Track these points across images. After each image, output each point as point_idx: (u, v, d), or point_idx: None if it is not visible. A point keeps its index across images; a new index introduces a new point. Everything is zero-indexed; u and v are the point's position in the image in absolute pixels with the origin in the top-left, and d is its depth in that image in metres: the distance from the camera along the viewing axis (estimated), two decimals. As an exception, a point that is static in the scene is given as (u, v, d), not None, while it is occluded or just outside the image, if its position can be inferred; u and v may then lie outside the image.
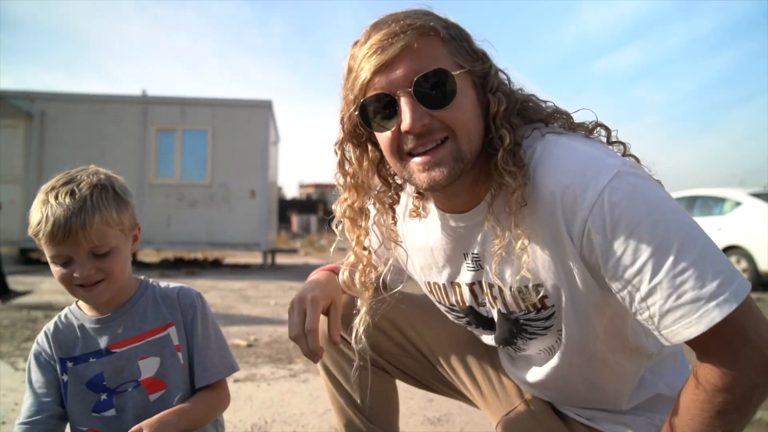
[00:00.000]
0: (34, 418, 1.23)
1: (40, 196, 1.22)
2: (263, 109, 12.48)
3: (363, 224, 1.23)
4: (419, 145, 1.05)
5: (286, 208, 39.73)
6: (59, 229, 1.15)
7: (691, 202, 10.06)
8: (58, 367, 1.26)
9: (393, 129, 1.05)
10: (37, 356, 1.27)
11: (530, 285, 1.12)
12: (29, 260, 12.09)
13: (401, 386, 1.63)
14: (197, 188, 12.03)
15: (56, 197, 1.19)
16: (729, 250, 8.81)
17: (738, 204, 8.99)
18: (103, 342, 1.26)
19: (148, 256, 14.29)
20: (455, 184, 1.08)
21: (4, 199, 11.74)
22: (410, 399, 2.67)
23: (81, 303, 1.31)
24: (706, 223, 9.18)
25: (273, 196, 14.36)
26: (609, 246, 0.96)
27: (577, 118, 1.16)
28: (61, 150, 11.82)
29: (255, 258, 14.46)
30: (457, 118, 1.04)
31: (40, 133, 11.98)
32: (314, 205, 45.30)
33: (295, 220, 39.10)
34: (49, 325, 1.30)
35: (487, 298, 1.23)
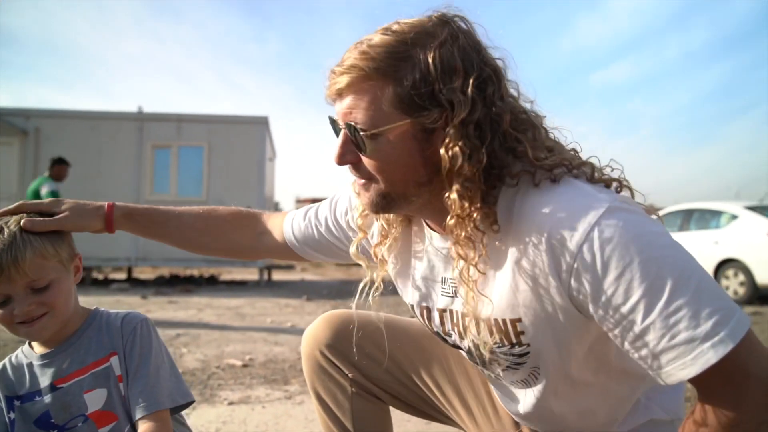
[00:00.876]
0: None
1: None
2: (259, 125, 12.50)
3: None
4: (353, 174, 1.11)
5: (282, 223, 39.59)
6: None
7: (688, 215, 10.07)
8: (4, 405, 1.22)
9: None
10: None
11: (508, 319, 1.07)
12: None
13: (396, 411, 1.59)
14: (193, 204, 11.80)
15: None
16: (726, 263, 8.82)
17: (734, 217, 9.01)
18: (48, 378, 1.21)
19: (144, 273, 14.22)
20: (396, 211, 1.13)
21: (-1, 216, 11.72)
22: (407, 422, 2.62)
23: (32, 342, 1.27)
24: (703, 237, 9.20)
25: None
26: (599, 285, 0.92)
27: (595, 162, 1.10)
28: (57, 167, 11.80)
29: (251, 274, 14.40)
30: (375, 166, 1.04)
31: (35, 150, 11.95)
32: (311, 220, 45.11)
33: (292, 235, 38.97)
34: (2, 365, 1.26)
35: (456, 328, 1.19)
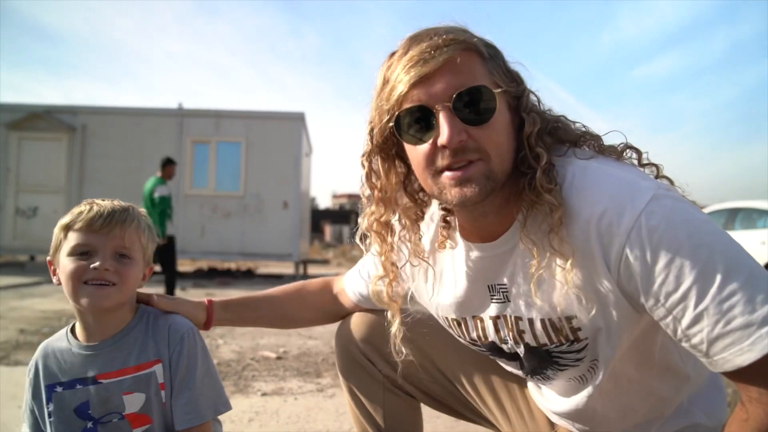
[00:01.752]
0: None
1: (79, 204, 1.25)
2: (296, 121, 12.62)
3: (389, 239, 1.21)
4: (453, 162, 1.01)
5: (318, 218, 40.07)
6: (100, 217, 1.20)
7: (733, 214, 9.74)
8: (43, 395, 1.24)
9: (429, 143, 1.02)
10: (29, 384, 1.28)
11: (563, 317, 1.07)
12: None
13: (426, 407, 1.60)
14: (231, 199, 12.21)
15: (103, 200, 1.26)
16: (774, 264, 8.48)
17: (784, 217, 8.66)
18: (91, 371, 1.23)
19: (183, 265, 14.54)
20: (485, 202, 1.04)
21: (47, 209, 12.20)
22: (437, 418, 2.61)
23: (76, 327, 1.29)
24: (749, 237, 8.87)
25: (305, 207, 14.48)
26: (649, 272, 0.92)
27: (607, 140, 1.12)
28: (101, 161, 12.22)
29: (287, 268, 14.58)
30: (491, 139, 1.01)
31: (81, 145, 12.37)
32: (347, 215, 45.54)
33: (328, 230, 39.37)
34: (39, 352, 1.28)
35: (511, 333, 1.18)
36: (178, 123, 12.51)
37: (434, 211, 1.27)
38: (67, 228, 1.21)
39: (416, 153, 1.06)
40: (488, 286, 1.18)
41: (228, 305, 1.52)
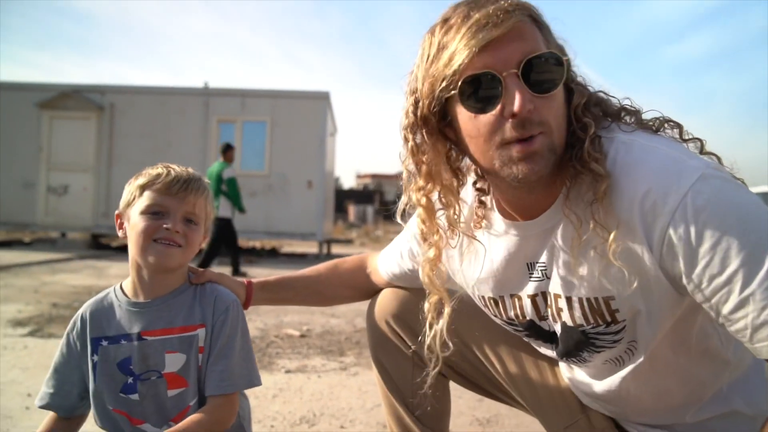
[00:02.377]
0: (57, 389, 1.30)
1: (155, 165, 1.33)
2: (321, 100, 12.60)
3: (437, 215, 1.16)
4: (518, 135, 0.95)
5: (342, 198, 40.20)
6: (178, 182, 1.28)
7: (768, 197, 9.45)
8: (89, 347, 1.28)
9: (493, 112, 0.96)
10: (68, 336, 1.32)
11: (600, 297, 1.04)
12: (99, 245, 12.72)
13: (451, 384, 1.59)
14: (256, 178, 12.28)
15: (178, 166, 1.34)
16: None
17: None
18: (136, 327, 1.27)
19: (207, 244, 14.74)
20: (549, 174, 1.00)
21: (77, 187, 12.46)
22: (459, 398, 2.61)
23: (124, 285, 1.33)
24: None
25: (330, 187, 14.52)
26: (693, 254, 0.89)
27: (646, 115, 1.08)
28: (129, 140, 12.39)
29: (311, 248, 14.69)
30: (553, 110, 0.97)
31: (109, 124, 12.55)
32: (371, 195, 45.61)
33: (352, 210, 39.50)
34: (87, 307, 1.33)
35: (550, 310, 1.16)
36: (204, 102, 12.59)
37: (469, 190, 1.23)
38: (144, 187, 1.27)
39: (477, 123, 0.99)
40: (527, 264, 1.16)
41: (266, 285, 1.56)
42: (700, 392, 1.17)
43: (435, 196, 1.15)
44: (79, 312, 1.32)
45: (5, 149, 12.32)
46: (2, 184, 12.28)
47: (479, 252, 1.22)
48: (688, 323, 1.07)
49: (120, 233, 1.32)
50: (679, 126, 1.06)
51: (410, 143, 1.10)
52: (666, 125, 1.06)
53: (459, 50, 0.94)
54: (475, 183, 1.21)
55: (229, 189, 7.85)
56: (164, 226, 1.24)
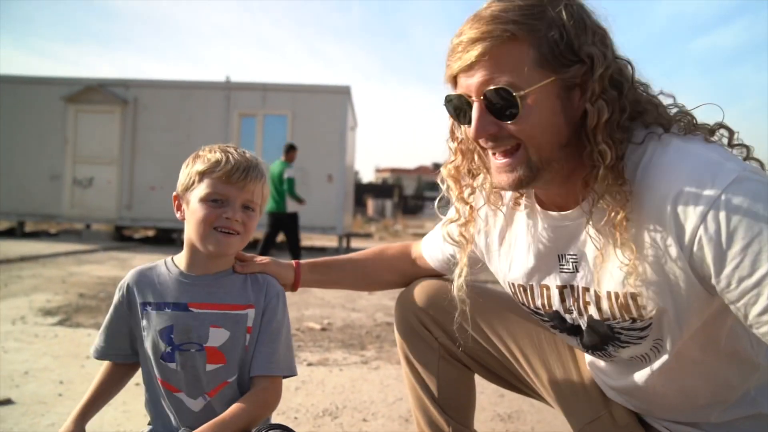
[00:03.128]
0: (109, 342, 1.35)
1: (212, 149, 1.32)
2: (342, 94, 12.62)
3: (466, 181, 1.25)
4: (491, 148, 1.07)
5: (362, 192, 40.25)
6: (238, 170, 1.27)
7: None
8: (139, 310, 1.31)
9: (470, 127, 1.05)
10: (117, 300, 1.35)
11: (628, 293, 1.05)
12: (123, 237, 12.93)
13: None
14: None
15: (235, 150, 1.32)
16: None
17: None
18: (184, 298, 1.30)
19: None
20: (539, 182, 1.07)
21: (102, 179, 12.67)
22: (481, 393, 2.61)
23: (176, 259, 1.36)
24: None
25: (349, 181, 14.55)
26: (723, 255, 0.89)
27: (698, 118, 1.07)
28: (152, 133, 12.55)
29: (331, 241, 14.75)
30: (524, 131, 1.01)
31: (133, 117, 12.72)
32: (390, 190, 45.61)
33: (371, 204, 39.54)
34: (132, 274, 1.36)
35: (576, 304, 1.17)
36: (226, 96, 12.69)
37: None
38: (203, 174, 1.27)
39: (468, 132, 1.09)
40: (558, 255, 1.18)
41: (314, 266, 1.57)
42: (727, 394, 1.17)
43: (466, 167, 1.23)
44: (125, 279, 1.35)
45: (33, 142, 12.57)
46: (30, 176, 12.54)
47: (514, 238, 1.26)
48: (718, 324, 1.07)
49: (178, 215, 1.34)
50: (730, 131, 1.05)
51: (451, 123, 1.20)
52: (719, 130, 1.05)
53: (449, 67, 1.05)
54: None
55: (287, 188, 8.31)
56: (224, 215, 1.26)
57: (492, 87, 0.99)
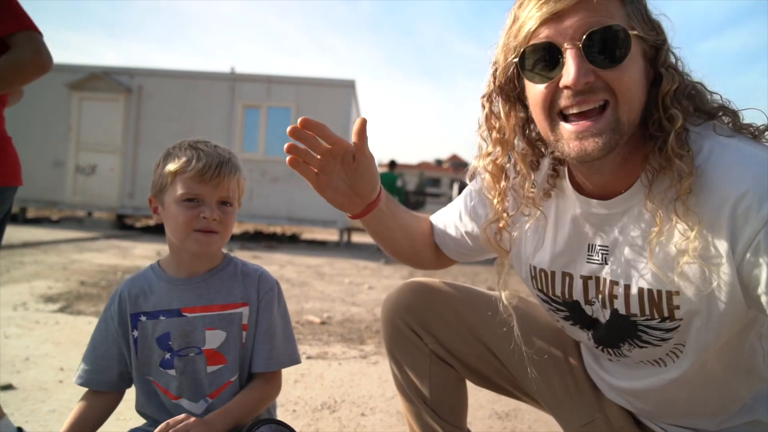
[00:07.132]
0: (95, 365, 1.31)
1: (182, 146, 1.29)
2: (346, 88, 12.60)
3: (503, 183, 1.20)
4: (574, 104, 0.97)
5: (363, 186, 40.00)
6: (209, 168, 1.24)
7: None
8: (129, 323, 1.30)
9: (550, 82, 0.99)
10: (106, 314, 1.33)
11: (665, 290, 1.02)
12: (124, 225, 12.96)
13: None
14: (279, 164, 12.35)
15: (205, 145, 1.29)
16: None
17: None
18: (176, 303, 1.29)
19: (231, 227, 14.90)
20: (605, 159, 0.99)
21: (104, 167, 12.68)
22: (479, 391, 2.61)
23: (162, 263, 1.35)
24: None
25: (351, 175, 14.52)
26: None
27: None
28: (156, 123, 12.55)
29: (332, 235, 14.77)
30: (623, 81, 0.95)
31: (137, 106, 12.72)
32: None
33: (372, 199, 39.35)
34: (124, 285, 1.34)
35: (600, 296, 1.14)
36: (230, 87, 12.68)
37: (547, 159, 1.22)
38: (176, 174, 1.25)
39: (536, 93, 1.02)
40: (588, 245, 1.15)
41: (390, 201, 1.43)
42: (732, 405, 1.17)
43: (504, 162, 1.19)
44: (117, 290, 1.34)
45: (37, 128, 12.56)
46: (33, 162, 12.54)
47: (543, 222, 1.23)
48: (742, 339, 1.06)
49: (155, 218, 1.31)
50: None
51: (485, 110, 1.16)
52: (767, 132, 1.02)
53: (525, 22, 0.99)
54: (552, 152, 1.16)
55: (398, 195, 10.03)
56: (201, 215, 1.24)
57: (602, 26, 0.93)
